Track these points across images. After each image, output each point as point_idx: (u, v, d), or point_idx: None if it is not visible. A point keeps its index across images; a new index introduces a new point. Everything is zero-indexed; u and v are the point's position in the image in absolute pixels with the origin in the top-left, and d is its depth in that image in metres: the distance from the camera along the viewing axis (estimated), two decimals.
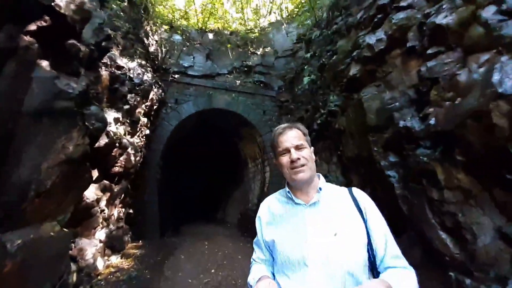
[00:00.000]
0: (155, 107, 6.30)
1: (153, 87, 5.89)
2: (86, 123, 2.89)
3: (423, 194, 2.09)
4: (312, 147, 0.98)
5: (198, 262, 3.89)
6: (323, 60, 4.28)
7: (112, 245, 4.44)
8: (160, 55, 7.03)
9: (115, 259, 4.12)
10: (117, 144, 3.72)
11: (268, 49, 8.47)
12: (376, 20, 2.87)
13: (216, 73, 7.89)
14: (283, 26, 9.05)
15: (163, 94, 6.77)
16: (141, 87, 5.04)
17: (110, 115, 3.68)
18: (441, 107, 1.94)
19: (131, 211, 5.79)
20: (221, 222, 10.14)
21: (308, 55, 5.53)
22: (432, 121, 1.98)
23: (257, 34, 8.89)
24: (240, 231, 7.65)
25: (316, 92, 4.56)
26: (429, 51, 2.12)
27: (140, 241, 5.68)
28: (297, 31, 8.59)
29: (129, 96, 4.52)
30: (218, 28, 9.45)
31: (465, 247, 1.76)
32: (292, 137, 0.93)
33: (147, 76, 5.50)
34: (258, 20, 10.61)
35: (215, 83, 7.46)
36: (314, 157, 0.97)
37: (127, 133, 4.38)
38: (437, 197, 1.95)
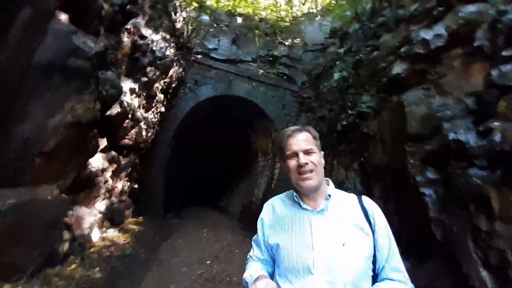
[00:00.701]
0: (173, 85, 6.14)
1: (174, 64, 5.71)
2: (100, 88, 2.72)
3: (467, 221, 1.74)
4: (322, 152, 0.95)
5: (195, 250, 3.75)
6: (360, 56, 3.88)
7: (112, 218, 4.38)
8: (185, 33, 6.81)
9: (112, 232, 4.06)
10: (129, 116, 3.57)
11: (297, 41, 8.03)
12: (435, 13, 2.45)
13: (240, 59, 7.60)
14: (317, 18, 8.54)
15: (183, 73, 6.58)
16: (162, 62, 4.86)
17: (127, 84, 3.52)
18: (511, 122, 1.56)
19: (136, 186, 5.74)
20: (223, 211, 10.06)
21: (342, 50, 5.10)
22: (497, 137, 1.61)
23: (288, 23, 8.45)
24: (241, 224, 7.49)
25: (346, 90, 4.17)
26: (504, 53, 1.72)
27: (141, 217, 5.64)
28: (331, 24, 8.07)
29: (148, 68, 4.35)
30: (248, 12, 9.09)
31: None
32: (302, 140, 0.89)
33: (170, 52, 5.31)
34: (291, 9, 10.12)
35: (237, 69, 7.18)
36: (323, 162, 0.93)
37: (141, 106, 4.23)
38: (485, 228, 1.61)
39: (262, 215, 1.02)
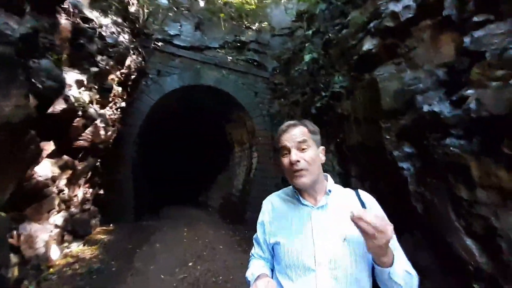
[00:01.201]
0: (133, 76, 5.53)
1: (131, 52, 5.10)
2: (33, 80, 2.23)
3: (447, 192, 1.76)
4: (322, 147, 0.91)
5: (175, 253, 3.48)
6: (329, 35, 3.79)
7: (74, 230, 3.88)
8: (141, 17, 6.11)
9: (77, 247, 3.60)
10: (79, 113, 3.06)
11: (264, 24, 7.75)
12: None
13: (206, 45, 7.12)
14: (282, 1, 8.30)
15: (143, 62, 5.96)
16: (115, 49, 4.27)
17: (71, 75, 2.99)
18: (486, 88, 1.57)
19: (101, 191, 5.18)
20: (202, 206, 9.77)
21: (310, 32, 4.99)
22: (472, 105, 1.61)
23: (253, 6, 8.09)
24: (222, 217, 7.32)
25: (318, 72, 4.10)
26: (475, 19, 1.71)
27: (111, 225, 5.14)
28: (297, 6, 7.92)
29: (99, 57, 3.78)
30: None
31: (497, 257, 1.47)
32: (295, 135, 0.86)
33: (124, 38, 4.69)
34: None
35: (204, 57, 6.73)
36: (323, 157, 0.91)
37: (94, 101, 3.69)
38: (466, 197, 1.63)
39: (261, 212, 0.99)
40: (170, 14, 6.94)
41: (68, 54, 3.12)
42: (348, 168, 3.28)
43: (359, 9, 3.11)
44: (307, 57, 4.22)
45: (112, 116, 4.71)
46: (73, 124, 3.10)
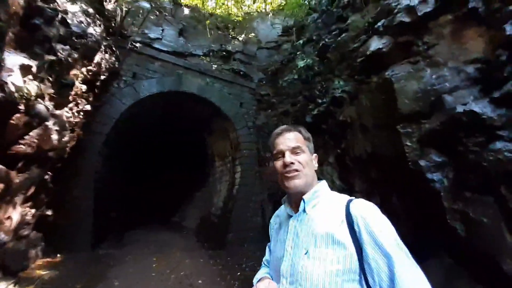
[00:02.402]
0: (103, 77, 4.83)
1: (102, 48, 4.47)
2: None
3: (499, 208, 1.41)
4: (315, 154, 0.90)
5: None
6: (325, 41, 3.59)
7: (3, 264, 2.91)
8: (119, 16, 5.57)
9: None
10: (21, 108, 2.34)
11: (251, 35, 7.63)
12: None
13: (189, 52, 6.71)
14: (268, 16, 8.36)
15: (117, 63, 5.31)
16: (82, 41, 3.63)
17: (14, 59, 2.30)
18: None
19: (48, 212, 4.18)
20: (176, 228, 8.70)
21: (301, 41, 4.84)
22: None
23: (240, 18, 8.00)
24: (200, 241, 6.45)
25: (312, 79, 3.84)
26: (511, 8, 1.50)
27: (58, 256, 4.11)
28: (282, 23, 7.99)
29: (59, 46, 3.12)
30: (196, 5, 8.29)
31: None
32: (289, 139, 0.85)
33: (95, 31, 4.08)
34: (241, 8, 9.78)
35: (187, 63, 6.27)
36: (316, 164, 0.89)
37: (47, 97, 2.96)
38: None
39: (271, 219, 1.01)
40: (151, 17, 6.49)
41: (15, 33, 2.45)
42: (351, 182, 2.90)
43: (360, 12, 2.93)
44: (300, 63, 3.97)
45: (72, 120, 3.92)
46: (10, 121, 2.35)
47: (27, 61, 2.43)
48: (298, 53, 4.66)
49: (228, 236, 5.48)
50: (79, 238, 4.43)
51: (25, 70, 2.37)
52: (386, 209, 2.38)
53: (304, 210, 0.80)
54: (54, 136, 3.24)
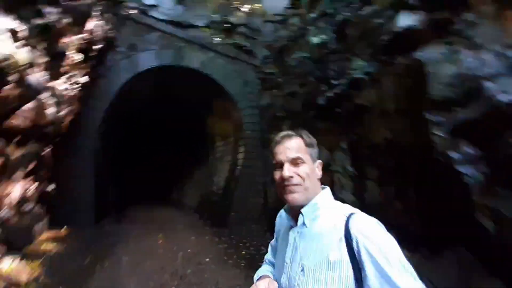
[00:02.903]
0: (98, 46, 4.47)
1: (94, 13, 4.05)
2: None
3: None
4: (319, 161, 0.79)
5: (147, 271, 2.69)
6: (344, 15, 3.29)
7: (8, 240, 2.88)
8: None
9: (10, 263, 2.62)
10: (10, 78, 2.10)
11: (257, 6, 7.06)
12: None
13: (189, 23, 6.20)
14: None
15: (112, 32, 4.89)
16: (72, 4, 3.25)
17: None
18: None
19: (51, 187, 4.10)
20: (177, 204, 8.84)
21: (313, 15, 4.46)
22: None
23: None
24: (202, 218, 6.56)
25: (327, 58, 3.58)
26: None
27: (63, 229, 4.11)
28: None
29: (48, 8, 2.77)
30: None
31: None
32: (289, 149, 0.76)
33: None
34: None
35: (188, 35, 5.83)
36: (319, 173, 0.79)
37: (40, 67, 2.69)
38: None
39: (276, 218, 0.94)
40: None
41: None
42: (364, 170, 2.83)
43: None
44: (315, 40, 3.68)
45: (67, 93, 3.67)
46: (1, 95, 2.13)
47: (14, 25, 2.14)
48: (310, 27, 4.31)
49: (230, 215, 5.55)
50: (82, 213, 4.41)
51: (13, 35, 2.10)
52: (402, 201, 2.34)
53: (303, 223, 0.75)
54: (51, 110, 3.03)
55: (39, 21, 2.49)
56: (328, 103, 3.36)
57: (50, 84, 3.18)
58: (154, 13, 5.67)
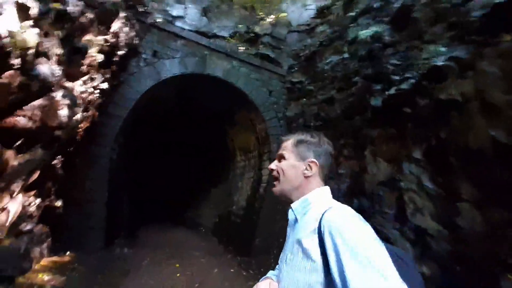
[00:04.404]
0: (121, 52, 4.22)
1: (120, 16, 3.83)
2: None
3: None
4: (309, 159, 0.82)
5: None
6: (403, 2, 2.79)
7: None
8: None
9: None
10: (14, 62, 1.69)
11: (282, 15, 6.85)
12: None
13: (214, 33, 6.02)
14: None
15: (136, 39, 4.69)
16: (98, 1, 2.99)
17: None
18: None
19: (58, 203, 3.62)
20: (191, 225, 8.13)
21: (352, 14, 4.03)
22: None
23: None
24: (222, 243, 5.80)
25: (380, 53, 3.03)
26: None
27: (68, 254, 3.55)
28: (315, 4, 7.18)
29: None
30: None
31: None
32: (281, 147, 0.88)
33: None
34: None
35: (212, 44, 5.58)
36: (306, 171, 0.81)
37: (54, 57, 2.32)
38: None
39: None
40: None
41: None
42: (454, 187, 2.10)
43: None
44: (366, 34, 3.17)
45: (86, 96, 3.31)
46: (2, 80, 1.71)
47: (25, 1, 1.78)
48: (350, 27, 3.85)
49: (255, 241, 4.79)
50: (91, 235, 3.86)
51: (21, 10, 1.72)
52: None
53: (296, 219, 0.79)
54: (63, 112, 2.62)
55: (57, 5, 2.15)
56: (388, 103, 2.74)
57: (68, 84, 2.83)
58: (179, 23, 5.54)
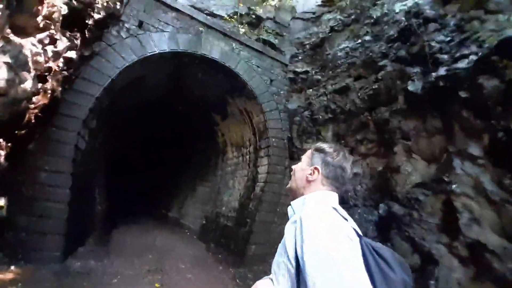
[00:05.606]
0: (96, 16, 3.39)
1: None
2: None
3: None
4: (314, 166, 0.89)
5: None
6: None
7: None
8: None
9: None
10: None
11: (286, 0, 6.27)
12: None
13: (211, 11, 5.29)
14: None
15: (119, 4, 3.85)
16: None
17: None
18: None
19: (0, 202, 2.77)
20: (175, 226, 7.33)
21: None
22: None
23: None
24: (208, 247, 5.11)
25: (421, 29, 2.53)
26: None
27: (12, 268, 2.71)
28: None
29: None
30: None
31: None
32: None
33: None
34: None
35: (209, 21, 4.86)
36: (309, 175, 0.88)
37: None
38: None
39: None
40: None
41: None
42: None
43: None
44: (401, 7, 2.64)
45: (42, 60, 2.48)
46: None
47: None
48: (373, 6, 3.34)
49: (250, 248, 4.17)
50: (45, 242, 3.01)
51: None
52: None
53: (293, 215, 0.82)
54: (2, 72, 1.82)
55: None
56: (432, 88, 2.23)
57: (14, 37, 2.02)
58: None
